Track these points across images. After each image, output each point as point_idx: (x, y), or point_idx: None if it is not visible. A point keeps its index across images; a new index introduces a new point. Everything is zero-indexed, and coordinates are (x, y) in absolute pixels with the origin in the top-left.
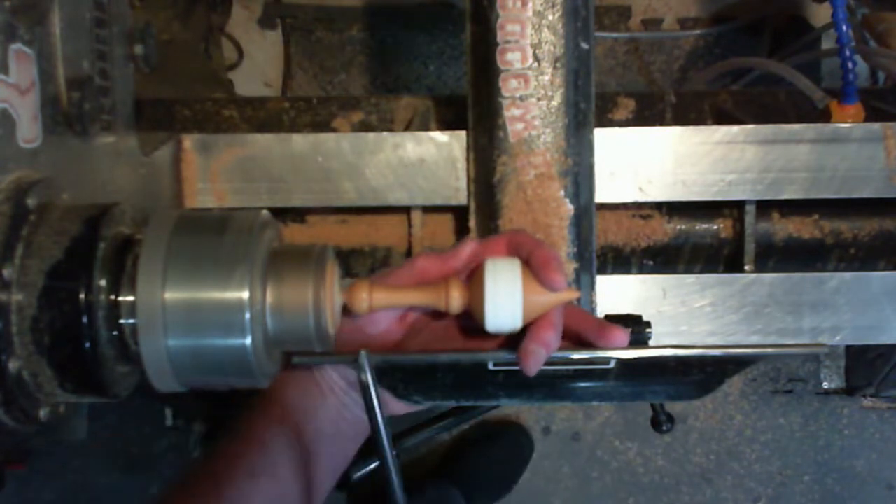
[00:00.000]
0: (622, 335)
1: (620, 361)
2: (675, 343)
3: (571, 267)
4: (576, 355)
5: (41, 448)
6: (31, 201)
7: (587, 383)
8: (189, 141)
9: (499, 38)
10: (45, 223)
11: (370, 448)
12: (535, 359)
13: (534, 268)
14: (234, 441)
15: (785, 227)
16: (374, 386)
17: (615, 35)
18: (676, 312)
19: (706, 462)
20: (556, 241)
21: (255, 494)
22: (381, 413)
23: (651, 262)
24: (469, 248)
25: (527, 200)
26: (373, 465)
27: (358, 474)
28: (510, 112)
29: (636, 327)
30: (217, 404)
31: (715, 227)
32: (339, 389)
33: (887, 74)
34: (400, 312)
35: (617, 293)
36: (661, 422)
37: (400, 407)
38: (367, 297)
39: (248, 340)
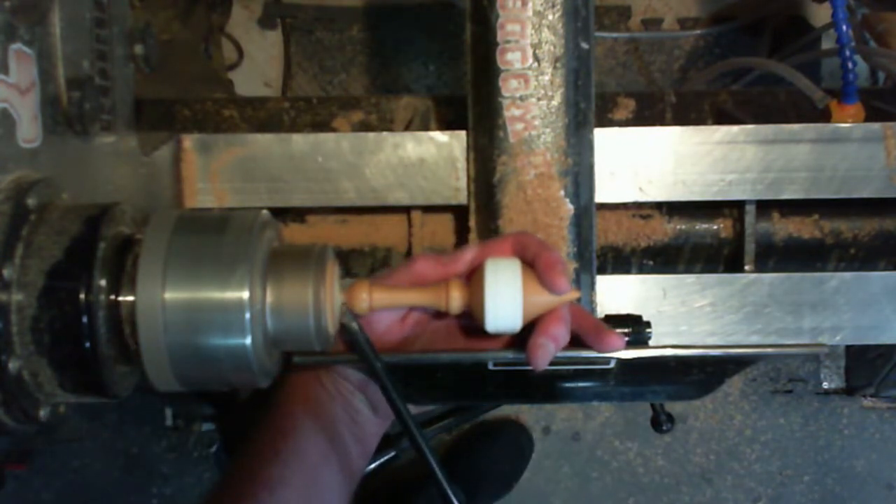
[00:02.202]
0: (618, 340)
1: (620, 361)
2: (675, 343)
3: (571, 267)
4: (576, 355)
5: (41, 448)
6: (31, 201)
7: (587, 383)
8: (189, 141)
9: (499, 38)
10: (45, 223)
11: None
12: (544, 353)
13: (538, 271)
14: (251, 457)
15: (785, 227)
16: (363, 333)
17: (615, 35)
18: (676, 312)
19: (706, 462)
20: (556, 241)
21: None
22: (378, 355)
23: (651, 262)
24: (471, 253)
25: (527, 200)
26: (378, 462)
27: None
28: (510, 112)
29: (636, 327)
30: (218, 405)
31: (715, 227)
32: (346, 391)
33: (887, 74)
34: (401, 314)
35: (617, 293)
36: (661, 422)
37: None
38: (367, 297)
39: (248, 340)
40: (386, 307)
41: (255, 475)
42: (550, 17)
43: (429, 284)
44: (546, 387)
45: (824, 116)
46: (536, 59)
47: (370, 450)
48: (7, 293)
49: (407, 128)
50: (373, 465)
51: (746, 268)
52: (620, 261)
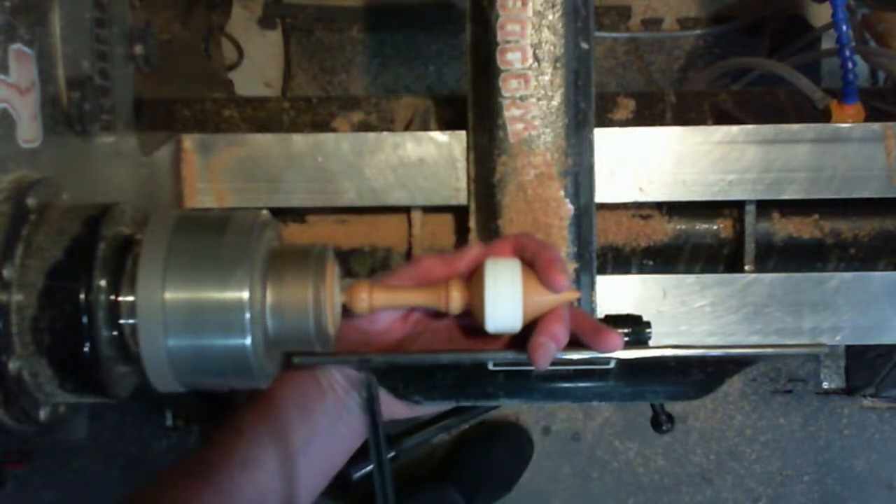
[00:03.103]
0: (617, 340)
1: (620, 361)
2: (675, 343)
3: (571, 267)
4: (576, 355)
5: (41, 448)
6: (31, 201)
7: (587, 383)
8: (189, 141)
9: (499, 38)
10: (45, 223)
11: (367, 449)
12: (545, 352)
13: (538, 269)
14: (229, 432)
15: (785, 227)
16: (376, 390)
17: (615, 35)
18: (676, 312)
19: (706, 462)
20: (556, 241)
21: (243, 484)
22: (380, 417)
23: (651, 262)
24: (475, 251)
25: (527, 200)
26: (370, 467)
27: (358, 474)
28: (510, 112)
29: (636, 327)
30: (218, 406)
31: (715, 227)
32: (339, 388)
33: (887, 74)
34: (402, 312)
35: (617, 293)
36: (661, 422)
37: (401, 410)
38: (367, 297)
39: (248, 340)
40: (386, 307)
41: (232, 450)
42: (550, 17)
43: (434, 283)
44: (546, 387)
45: (824, 116)
46: (536, 59)
47: (353, 447)
48: (7, 293)
49: (407, 128)
50: (373, 465)
51: (746, 268)
52: (620, 261)
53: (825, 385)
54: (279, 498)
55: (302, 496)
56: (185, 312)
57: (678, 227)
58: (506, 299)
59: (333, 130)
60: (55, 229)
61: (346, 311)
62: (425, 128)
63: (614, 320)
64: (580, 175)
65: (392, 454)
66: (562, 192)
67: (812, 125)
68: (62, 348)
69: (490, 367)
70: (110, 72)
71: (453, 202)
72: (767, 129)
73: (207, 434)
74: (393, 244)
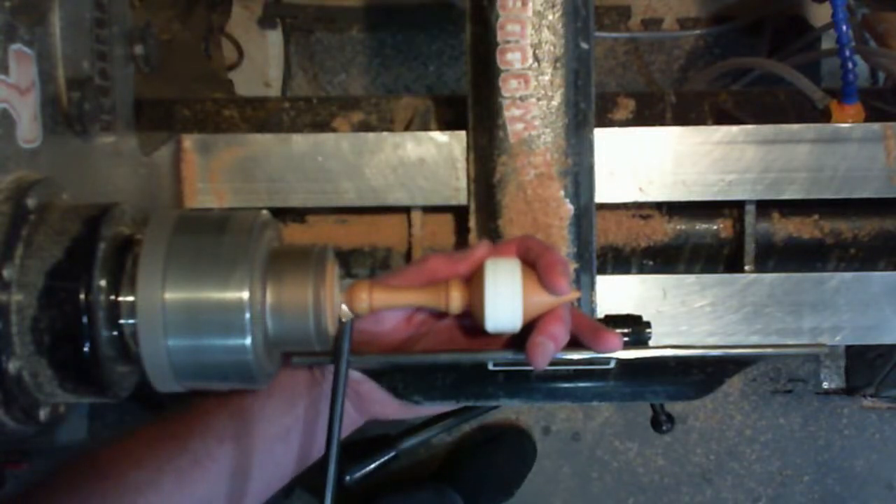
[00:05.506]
0: (616, 340)
1: (620, 361)
2: (675, 343)
3: (571, 267)
4: (576, 355)
5: (41, 448)
6: (31, 201)
7: (587, 383)
8: (189, 141)
9: (499, 38)
10: (45, 223)
11: (366, 449)
12: (543, 351)
13: (539, 271)
14: (213, 403)
15: (785, 227)
16: (349, 340)
17: (615, 35)
18: (676, 312)
19: (706, 462)
20: (556, 241)
21: (219, 456)
22: (346, 378)
23: (651, 262)
24: (483, 251)
25: (527, 200)
26: (378, 462)
27: (356, 475)
28: (510, 112)
29: (636, 327)
30: None
31: (715, 227)
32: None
33: (887, 74)
34: (407, 313)
35: (617, 293)
36: (661, 422)
37: (398, 410)
38: (368, 297)
39: (248, 340)
40: (386, 307)
41: (214, 422)
42: (550, 17)
43: (440, 282)
44: (546, 387)
45: (824, 116)
46: (536, 59)
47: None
48: (7, 293)
49: (407, 128)
50: (372, 465)
51: (746, 268)
52: (620, 261)
53: (825, 385)
54: (248, 479)
55: (274, 483)
56: (185, 312)
57: (678, 227)
58: (506, 299)
59: (333, 130)
60: (55, 229)
61: None
62: (425, 128)
63: (614, 320)
64: (580, 175)
65: (392, 454)
66: (562, 192)
67: (812, 125)
68: (62, 348)
69: (490, 367)
70: (110, 72)
71: (453, 202)
72: (767, 129)
73: (190, 400)
74: (393, 244)
